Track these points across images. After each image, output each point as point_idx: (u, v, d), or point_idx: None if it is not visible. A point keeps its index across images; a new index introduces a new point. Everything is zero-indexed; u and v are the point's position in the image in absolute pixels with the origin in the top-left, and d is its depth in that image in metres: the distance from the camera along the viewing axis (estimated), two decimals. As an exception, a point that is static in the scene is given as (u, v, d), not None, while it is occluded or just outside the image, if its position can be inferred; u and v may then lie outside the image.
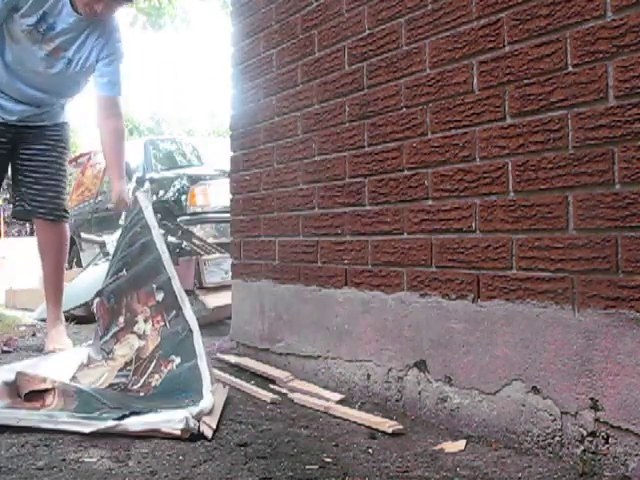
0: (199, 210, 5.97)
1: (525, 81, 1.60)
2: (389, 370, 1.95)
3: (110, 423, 1.64)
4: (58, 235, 2.97)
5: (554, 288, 1.52)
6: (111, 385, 2.15)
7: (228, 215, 2.91)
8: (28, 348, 3.10)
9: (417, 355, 1.86)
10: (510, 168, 1.63)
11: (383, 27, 2.02)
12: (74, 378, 2.22)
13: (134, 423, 1.64)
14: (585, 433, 1.42)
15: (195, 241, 4.36)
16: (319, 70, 2.30)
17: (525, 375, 1.56)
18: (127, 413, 1.68)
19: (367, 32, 2.09)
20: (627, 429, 1.35)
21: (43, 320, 4.05)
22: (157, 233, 2.49)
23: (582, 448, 1.43)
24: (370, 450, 1.55)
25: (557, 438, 1.48)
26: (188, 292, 3.91)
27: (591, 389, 1.42)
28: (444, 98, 1.81)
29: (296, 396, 2.06)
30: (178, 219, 5.65)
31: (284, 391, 2.14)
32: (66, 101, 2.93)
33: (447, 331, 1.77)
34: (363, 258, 2.07)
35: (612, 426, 1.38)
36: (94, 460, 1.47)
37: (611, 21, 1.43)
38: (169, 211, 6.07)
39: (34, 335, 3.53)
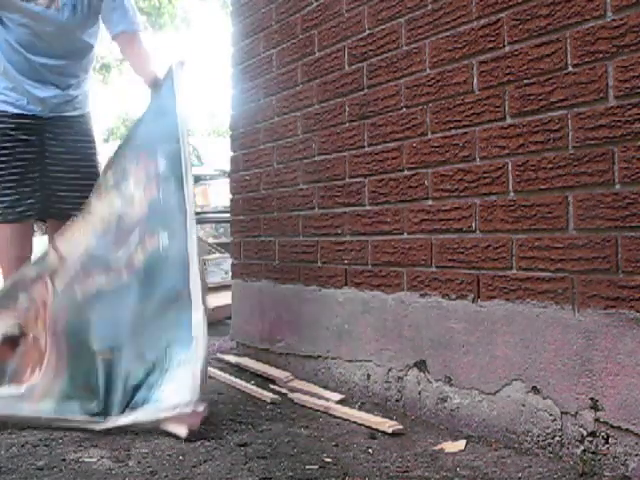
0: (199, 210, 5.98)
1: (525, 81, 1.60)
2: (389, 370, 1.95)
3: (121, 421, 1.64)
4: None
5: (554, 288, 1.52)
6: (92, 257, 1.99)
7: (228, 215, 2.91)
8: (28, 348, 3.10)
9: (417, 355, 1.86)
10: (510, 168, 1.63)
11: (383, 27, 2.02)
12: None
13: (141, 417, 1.64)
14: (585, 433, 1.42)
15: (195, 241, 4.36)
16: (319, 70, 2.30)
17: (525, 375, 1.56)
18: (129, 403, 1.67)
19: (367, 32, 2.09)
20: (627, 429, 1.35)
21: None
22: (180, 106, 2.14)
23: (582, 448, 1.43)
24: (370, 450, 1.55)
25: (557, 438, 1.48)
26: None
27: (591, 389, 1.42)
28: (444, 98, 1.81)
29: (296, 396, 2.06)
30: (178, 219, 5.65)
31: (284, 391, 2.14)
32: (88, 72, 2.73)
33: (447, 331, 1.77)
34: (363, 258, 2.07)
35: (612, 426, 1.38)
36: (94, 460, 1.47)
37: (611, 21, 1.43)
38: (169, 211, 6.07)
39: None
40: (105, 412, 1.70)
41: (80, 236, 2.04)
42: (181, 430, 1.61)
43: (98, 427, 1.65)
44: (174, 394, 1.64)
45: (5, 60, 2.55)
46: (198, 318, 1.72)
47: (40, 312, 1.93)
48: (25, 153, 2.59)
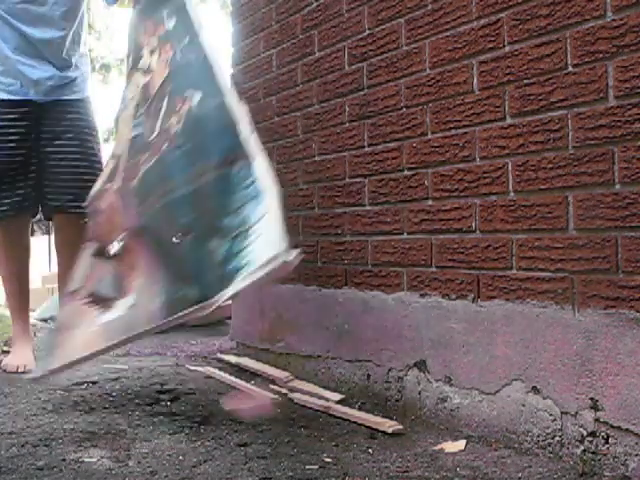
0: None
1: (525, 81, 1.60)
2: (389, 370, 1.95)
3: (223, 296, 1.49)
4: (74, 234, 2.50)
5: (554, 288, 1.52)
6: (132, 141, 1.88)
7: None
8: (28, 348, 3.10)
9: (417, 355, 1.86)
10: (510, 168, 1.63)
11: (383, 27, 2.02)
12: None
13: (239, 285, 1.48)
14: (585, 433, 1.42)
15: (195, 241, 4.35)
16: (319, 70, 2.30)
17: (525, 375, 1.56)
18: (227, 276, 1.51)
19: (367, 32, 2.09)
20: (627, 429, 1.35)
21: (44, 320, 4.05)
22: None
23: (582, 448, 1.43)
24: (370, 450, 1.55)
25: (557, 438, 1.48)
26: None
27: (591, 389, 1.42)
28: (444, 98, 1.81)
29: (296, 396, 2.06)
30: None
31: (284, 391, 2.14)
32: (85, 46, 2.53)
33: (447, 331, 1.77)
34: (363, 258, 2.07)
35: (612, 426, 1.38)
36: (94, 460, 1.47)
37: (611, 21, 1.43)
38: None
39: (34, 335, 3.53)
40: (206, 296, 1.55)
41: (124, 128, 1.94)
42: (284, 274, 1.49)
43: (206, 311, 1.53)
44: (262, 251, 1.48)
45: None
46: (260, 169, 1.57)
47: (113, 217, 1.85)
48: (19, 146, 2.40)
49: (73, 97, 2.46)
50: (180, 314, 1.58)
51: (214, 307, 1.53)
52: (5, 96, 2.36)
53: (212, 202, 1.64)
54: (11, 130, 2.37)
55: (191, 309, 1.56)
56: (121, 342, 1.70)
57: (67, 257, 2.44)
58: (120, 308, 1.75)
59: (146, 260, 1.73)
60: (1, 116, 2.37)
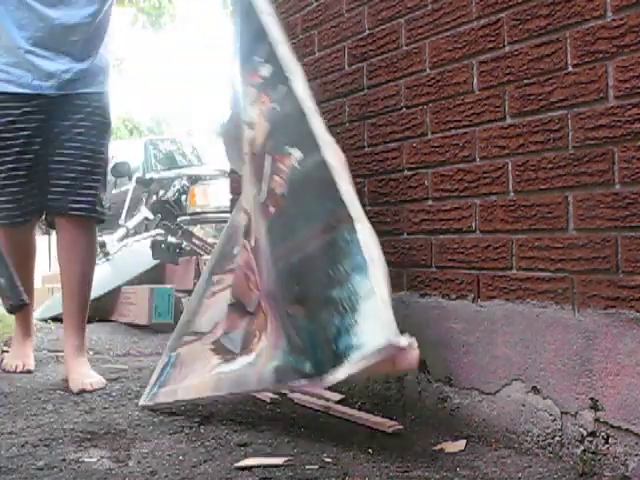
0: (199, 210, 5.97)
1: (525, 81, 1.60)
2: (389, 370, 1.95)
3: (336, 378, 1.41)
4: (89, 238, 2.35)
5: (554, 288, 1.52)
6: (254, 196, 1.76)
7: (228, 215, 2.91)
8: (28, 348, 3.10)
9: (417, 355, 1.85)
10: (510, 168, 1.63)
11: (383, 27, 2.02)
12: None
13: (352, 369, 1.39)
14: (585, 433, 1.42)
15: (195, 241, 4.37)
16: (319, 70, 2.29)
17: (525, 375, 1.56)
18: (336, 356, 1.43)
19: (367, 32, 2.09)
20: (627, 429, 1.35)
21: (44, 320, 4.05)
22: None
23: (582, 448, 1.43)
24: (370, 450, 1.55)
25: (557, 438, 1.48)
26: (188, 292, 3.93)
27: (591, 389, 1.42)
28: (444, 98, 1.81)
29: (296, 396, 2.06)
30: (178, 219, 5.66)
31: (284, 391, 2.14)
32: (108, 37, 2.30)
33: (447, 331, 1.77)
34: (363, 258, 2.07)
35: (612, 426, 1.38)
36: (94, 460, 1.47)
37: (611, 21, 1.43)
38: (169, 211, 6.08)
39: (34, 335, 3.53)
40: (319, 372, 1.48)
41: (247, 184, 1.84)
42: (402, 367, 1.37)
43: (316, 387, 1.54)
44: (373, 333, 1.38)
45: (11, 23, 2.13)
46: (365, 234, 1.46)
47: (249, 275, 1.81)
48: (29, 143, 2.21)
49: (90, 90, 2.25)
50: (291, 384, 1.58)
51: (326, 385, 1.49)
52: (14, 89, 2.17)
53: (320, 272, 1.53)
54: (21, 126, 2.20)
55: (303, 382, 1.53)
56: (227, 394, 1.73)
57: (72, 267, 2.30)
58: (238, 363, 1.77)
59: (271, 324, 1.72)
60: (10, 111, 2.19)
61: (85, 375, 2.22)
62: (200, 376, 1.84)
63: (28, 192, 2.27)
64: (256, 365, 1.68)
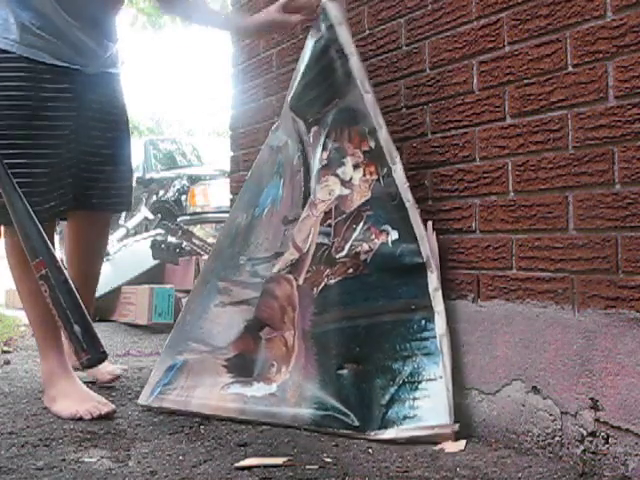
0: (199, 210, 5.97)
1: (525, 81, 1.60)
2: (389, 370, 1.94)
3: (380, 437, 1.59)
4: (105, 230, 2.22)
5: (554, 288, 1.52)
6: (317, 246, 1.85)
7: (228, 215, 2.91)
8: (28, 348, 3.11)
9: (417, 355, 1.85)
10: (510, 168, 1.63)
11: (383, 27, 2.02)
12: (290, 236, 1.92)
13: (400, 434, 1.58)
14: (585, 433, 1.42)
15: (195, 241, 4.37)
16: (319, 70, 2.29)
17: (525, 375, 1.56)
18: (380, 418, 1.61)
19: (367, 32, 2.09)
20: (627, 429, 1.35)
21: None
22: (357, 63, 1.87)
23: (582, 448, 1.43)
24: (370, 450, 1.55)
25: (557, 438, 1.48)
26: (188, 292, 3.93)
27: (591, 389, 1.42)
28: (444, 98, 1.81)
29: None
30: (178, 219, 5.66)
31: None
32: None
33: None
34: (363, 258, 2.07)
35: (612, 426, 1.38)
36: (94, 460, 1.47)
37: (611, 21, 1.43)
38: (169, 211, 6.08)
39: (34, 335, 3.53)
40: (363, 428, 1.62)
41: (309, 226, 1.89)
42: (440, 440, 1.57)
43: (354, 437, 1.63)
44: (431, 412, 1.57)
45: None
46: (440, 327, 1.65)
47: (287, 309, 1.85)
48: (60, 127, 1.91)
49: (113, 70, 2.10)
50: (329, 430, 1.66)
51: (366, 439, 1.61)
52: (53, 60, 1.88)
53: (386, 342, 1.68)
54: (58, 104, 1.90)
55: (345, 432, 1.64)
56: (256, 421, 1.78)
57: (87, 261, 2.17)
58: (257, 390, 1.81)
59: (297, 362, 1.78)
60: (47, 85, 1.88)
61: (106, 365, 2.15)
62: (212, 392, 1.86)
63: (54, 184, 1.93)
64: (283, 400, 1.75)
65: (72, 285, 1.72)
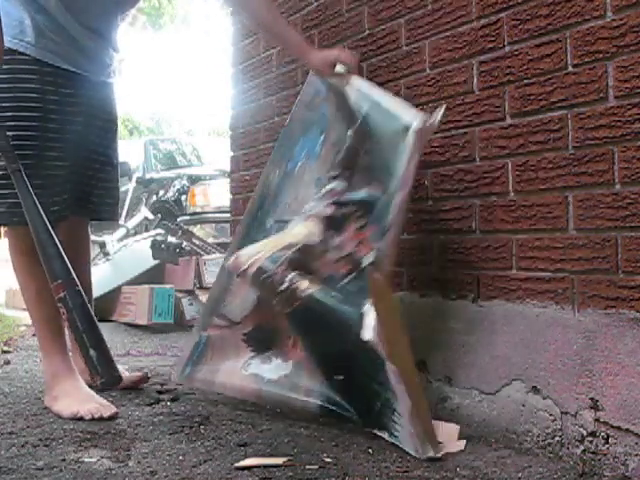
0: (199, 210, 5.97)
1: (525, 81, 1.60)
2: (389, 370, 1.95)
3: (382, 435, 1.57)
4: (88, 235, 2.26)
5: (554, 288, 1.52)
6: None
7: (228, 215, 2.91)
8: (28, 348, 3.10)
9: (417, 355, 1.85)
10: (510, 168, 1.64)
11: (383, 27, 2.02)
12: None
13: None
14: (585, 433, 1.42)
15: (195, 241, 4.37)
16: (319, 70, 2.29)
17: (525, 375, 1.56)
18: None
19: (367, 32, 2.09)
20: (627, 429, 1.35)
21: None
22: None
23: (582, 448, 1.43)
24: (370, 450, 1.55)
25: (557, 438, 1.48)
26: (188, 292, 3.93)
27: (591, 389, 1.42)
28: (444, 98, 1.81)
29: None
30: (178, 219, 5.66)
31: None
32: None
33: (447, 331, 1.76)
34: (363, 258, 2.07)
35: (612, 426, 1.38)
36: (94, 460, 1.47)
37: (611, 21, 1.43)
38: (169, 211, 6.08)
39: (34, 335, 3.53)
40: (364, 424, 1.63)
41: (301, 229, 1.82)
42: None
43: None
44: (405, 442, 1.53)
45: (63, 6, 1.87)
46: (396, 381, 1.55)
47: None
48: (69, 130, 1.92)
49: (109, 80, 2.10)
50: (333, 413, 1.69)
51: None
52: (64, 64, 1.89)
53: (366, 361, 1.60)
54: (68, 109, 1.91)
55: (349, 424, 1.66)
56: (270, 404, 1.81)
57: (83, 264, 2.14)
58: (274, 369, 1.81)
59: (306, 359, 1.77)
60: (59, 89, 1.88)
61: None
62: (234, 372, 1.88)
63: (59, 187, 1.93)
64: (296, 386, 1.76)
65: (90, 309, 1.75)
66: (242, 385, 1.87)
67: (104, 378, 1.72)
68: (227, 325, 1.96)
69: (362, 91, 1.82)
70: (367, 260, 1.68)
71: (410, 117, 1.66)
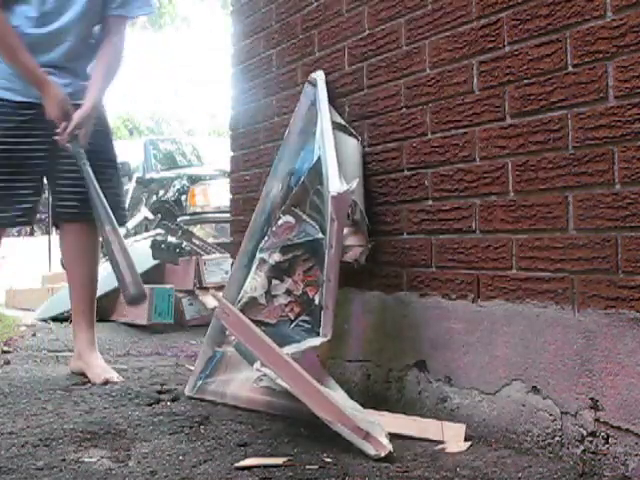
0: (199, 210, 5.97)
1: (525, 81, 1.60)
2: (389, 370, 1.95)
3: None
4: (95, 239, 2.48)
5: (554, 288, 1.52)
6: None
7: (228, 215, 2.91)
8: (28, 348, 3.11)
9: (417, 355, 1.86)
10: (510, 168, 1.63)
11: (383, 27, 2.02)
12: None
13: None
14: (585, 433, 1.42)
15: (195, 241, 4.37)
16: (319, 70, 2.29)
17: (525, 375, 1.56)
18: None
19: (367, 32, 2.09)
20: (627, 429, 1.35)
21: (44, 320, 4.06)
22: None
23: (582, 448, 1.43)
24: (370, 450, 1.55)
25: (557, 438, 1.48)
26: (188, 292, 3.94)
27: (591, 389, 1.42)
28: (444, 98, 1.81)
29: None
30: (178, 219, 5.66)
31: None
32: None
33: (447, 331, 1.77)
34: (363, 258, 2.07)
35: (612, 426, 1.38)
36: (94, 460, 1.47)
37: (611, 21, 1.43)
38: (169, 211, 6.08)
39: (34, 335, 3.53)
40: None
41: None
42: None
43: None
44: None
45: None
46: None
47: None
48: (29, 150, 2.32)
49: (81, 102, 2.35)
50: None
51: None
52: (20, 98, 2.30)
53: None
54: (24, 130, 2.31)
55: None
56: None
57: (82, 267, 2.43)
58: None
59: None
60: (13, 117, 2.31)
61: (106, 368, 2.38)
62: (245, 385, 1.94)
63: (18, 197, 2.34)
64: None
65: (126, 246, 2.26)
66: (254, 396, 1.90)
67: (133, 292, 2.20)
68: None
69: (322, 133, 1.92)
70: (317, 299, 1.86)
71: (331, 186, 1.72)
